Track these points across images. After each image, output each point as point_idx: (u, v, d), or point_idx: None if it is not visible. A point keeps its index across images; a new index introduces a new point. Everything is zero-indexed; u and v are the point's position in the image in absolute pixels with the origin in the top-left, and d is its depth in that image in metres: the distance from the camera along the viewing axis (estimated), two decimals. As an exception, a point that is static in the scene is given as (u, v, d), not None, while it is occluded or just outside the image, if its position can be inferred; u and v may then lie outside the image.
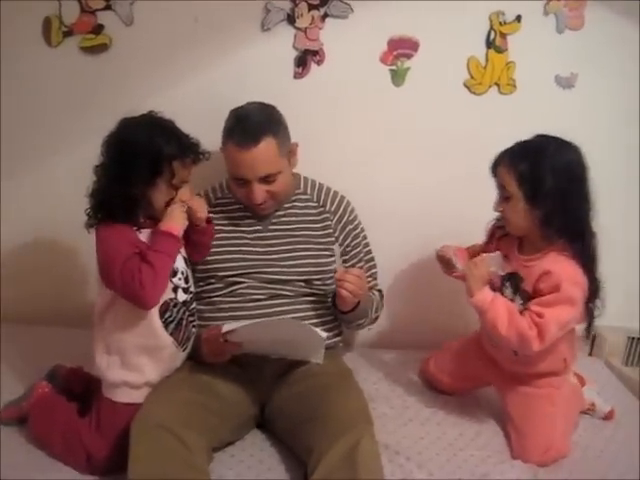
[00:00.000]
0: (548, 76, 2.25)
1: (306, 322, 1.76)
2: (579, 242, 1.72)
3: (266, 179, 1.86)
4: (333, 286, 2.01)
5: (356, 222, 2.09)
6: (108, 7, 2.18)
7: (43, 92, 2.29)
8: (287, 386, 1.81)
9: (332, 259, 2.01)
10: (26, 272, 2.44)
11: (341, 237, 2.03)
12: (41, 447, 1.72)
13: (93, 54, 2.23)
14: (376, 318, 2.07)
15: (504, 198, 1.76)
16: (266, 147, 1.83)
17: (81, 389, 1.89)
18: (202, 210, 1.78)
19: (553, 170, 1.68)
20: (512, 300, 1.78)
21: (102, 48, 2.22)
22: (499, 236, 1.92)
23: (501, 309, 1.71)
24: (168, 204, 1.69)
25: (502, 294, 1.79)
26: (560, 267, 1.70)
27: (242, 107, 1.93)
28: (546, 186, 1.67)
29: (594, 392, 2.05)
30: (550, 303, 1.69)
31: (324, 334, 1.70)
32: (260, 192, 1.86)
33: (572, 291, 1.69)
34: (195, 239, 1.83)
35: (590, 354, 2.49)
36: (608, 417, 2.01)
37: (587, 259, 1.73)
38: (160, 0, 2.17)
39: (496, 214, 1.86)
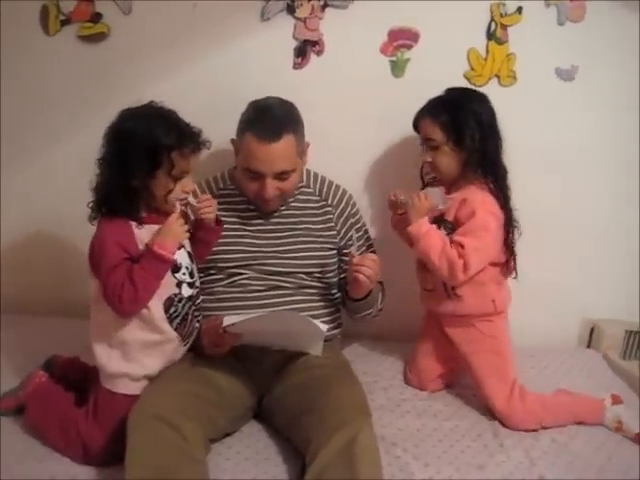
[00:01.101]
0: (549, 68, 2.24)
1: (306, 314, 1.76)
2: (494, 176, 1.90)
3: (280, 175, 1.85)
4: (335, 279, 2.02)
5: (358, 215, 2.09)
6: (106, -5, 2.17)
7: (41, 81, 2.28)
8: (285, 378, 1.81)
9: (333, 252, 2.01)
10: (26, 263, 2.45)
11: (343, 230, 2.03)
12: (38, 437, 1.72)
13: (91, 43, 2.22)
14: (380, 309, 2.07)
15: (431, 148, 1.92)
16: (286, 143, 1.83)
17: (78, 379, 1.88)
18: (211, 211, 1.77)
19: (470, 115, 1.87)
20: None
21: (100, 37, 2.22)
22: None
23: (434, 238, 1.86)
24: (167, 196, 1.66)
25: None
26: (475, 196, 1.89)
27: (263, 100, 1.93)
28: (467, 130, 1.86)
29: (623, 410, 1.95)
30: (467, 231, 1.86)
31: (324, 327, 1.70)
32: (272, 188, 1.86)
33: (486, 218, 1.86)
34: (201, 236, 1.82)
35: (588, 347, 2.50)
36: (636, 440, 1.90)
37: (501, 191, 1.90)
38: (159, -12, 2.16)
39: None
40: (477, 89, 2.01)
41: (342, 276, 2.04)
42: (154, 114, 1.65)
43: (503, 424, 1.89)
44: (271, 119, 1.84)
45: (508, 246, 1.93)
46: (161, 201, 1.67)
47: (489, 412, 1.94)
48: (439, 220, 1.93)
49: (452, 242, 1.86)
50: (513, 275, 1.99)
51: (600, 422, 1.93)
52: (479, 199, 1.88)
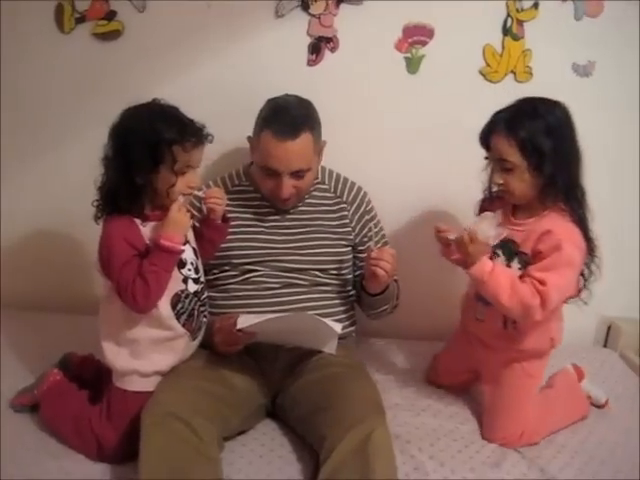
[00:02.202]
0: (565, 64, 2.22)
1: (320, 315, 1.75)
2: (575, 201, 1.70)
3: (296, 174, 1.85)
4: (349, 276, 2.01)
5: (373, 213, 2.07)
6: (121, -7, 2.17)
7: (56, 78, 2.29)
8: (299, 376, 1.80)
9: (348, 249, 2.00)
10: (34, 260, 2.46)
11: (358, 227, 2.02)
12: (53, 434, 1.73)
13: (105, 40, 2.23)
14: (395, 306, 2.06)
15: (505, 170, 1.69)
16: (303, 142, 1.82)
17: (92, 376, 1.89)
18: (220, 205, 1.77)
19: (550, 132, 1.64)
20: (508, 266, 1.74)
21: (115, 34, 2.22)
22: (489, 206, 1.85)
23: (502, 278, 1.66)
24: (171, 191, 1.65)
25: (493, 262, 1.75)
26: (560, 227, 1.67)
27: (280, 98, 1.92)
28: (547, 150, 1.63)
29: (589, 384, 2.02)
30: (551, 266, 1.64)
31: (338, 327, 1.70)
32: (288, 186, 1.85)
33: (572, 252, 1.65)
34: (206, 234, 1.81)
35: (605, 346, 2.47)
36: (603, 406, 1.98)
37: (583, 217, 1.71)
38: (173, -14, 2.16)
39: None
40: (555, 99, 1.72)
41: (357, 273, 2.04)
42: (155, 110, 1.66)
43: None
44: (289, 117, 1.84)
45: (585, 279, 1.75)
46: (165, 197, 1.66)
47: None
48: (510, 250, 1.75)
49: (528, 276, 1.66)
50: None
51: (586, 414, 1.94)
52: (566, 232, 1.66)
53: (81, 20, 2.21)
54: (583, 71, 2.23)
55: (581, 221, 1.70)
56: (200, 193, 1.75)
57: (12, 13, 2.22)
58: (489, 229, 1.69)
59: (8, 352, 2.10)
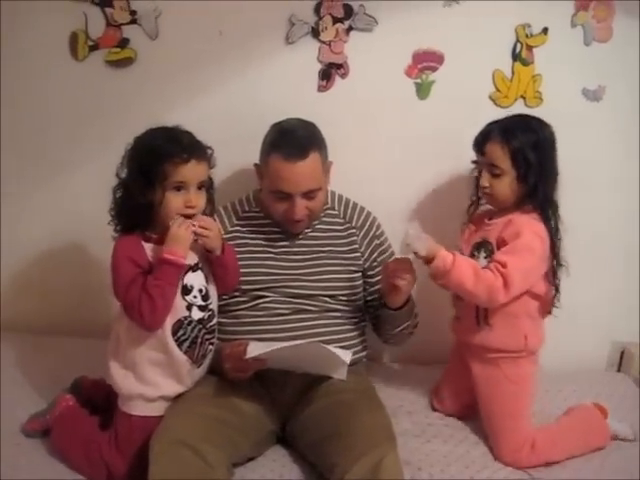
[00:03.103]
0: (575, 89, 2.22)
1: (330, 341, 1.75)
2: (547, 213, 1.83)
3: (308, 194, 1.85)
4: (360, 302, 2.01)
5: (383, 237, 2.07)
6: (133, 21, 2.21)
7: (70, 105, 2.31)
8: (310, 402, 1.79)
9: (358, 274, 2.00)
10: (43, 284, 2.48)
11: (367, 252, 2.02)
12: (63, 460, 1.73)
13: (118, 68, 2.25)
14: (416, 325, 2.04)
15: (493, 175, 1.82)
16: (313, 161, 1.83)
17: (103, 401, 1.89)
18: (206, 236, 1.69)
19: (539, 147, 1.79)
20: (477, 260, 1.84)
21: (127, 62, 2.25)
22: (473, 211, 2.00)
23: (464, 265, 1.74)
24: (168, 210, 1.65)
25: None
26: (522, 218, 1.81)
27: (285, 121, 1.93)
28: (534, 162, 1.77)
29: (614, 422, 1.98)
30: (511, 250, 1.76)
31: (348, 357, 1.69)
32: (301, 208, 1.85)
33: (532, 238, 1.77)
34: (213, 272, 1.80)
35: (618, 370, 2.45)
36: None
37: (553, 228, 1.83)
38: (185, 14, 2.19)
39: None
40: (543, 120, 1.86)
41: (369, 298, 2.03)
42: (159, 131, 1.69)
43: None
44: (296, 139, 1.85)
45: (551, 278, 1.85)
46: (163, 216, 1.66)
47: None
48: (481, 248, 1.87)
49: (493, 262, 1.77)
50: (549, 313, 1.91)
51: (603, 445, 1.91)
52: (527, 221, 1.80)
53: (94, 48, 2.24)
54: (593, 96, 2.23)
55: (550, 229, 1.82)
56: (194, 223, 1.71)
57: (27, 41, 2.26)
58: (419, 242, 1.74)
59: (20, 376, 2.11)
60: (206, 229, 1.69)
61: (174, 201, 1.65)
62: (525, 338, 1.85)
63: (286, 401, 1.82)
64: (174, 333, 1.69)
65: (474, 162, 1.90)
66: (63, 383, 1.93)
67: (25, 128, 2.36)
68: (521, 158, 1.77)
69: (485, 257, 1.84)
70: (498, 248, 1.81)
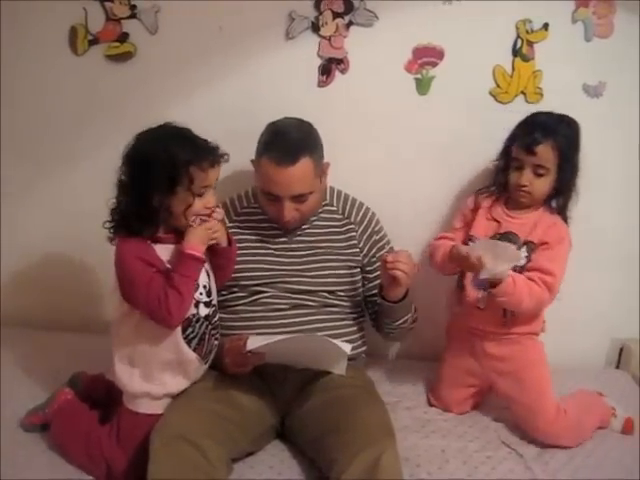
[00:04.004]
0: (576, 85, 2.21)
1: (329, 336, 1.75)
2: (567, 207, 1.92)
3: (297, 198, 1.85)
4: (358, 297, 2.01)
5: (382, 233, 2.07)
6: (133, 15, 2.20)
7: (68, 99, 2.31)
8: (309, 397, 1.80)
9: (356, 270, 2.00)
10: (42, 280, 2.48)
11: (366, 248, 2.02)
12: (62, 454, 1.73)
13: (118, 62, 2.25)
14: (415, 320, 2.04)
15: (537, 174, 1.85)
16: (302, 167, 1.82)
17: (102, 396, 1.89)
18: (219, 228, 1.74)
19: (575, 145, 1.87)
20: None
21: (127, 56, 2.24)
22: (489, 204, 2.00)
23: (521, 285, 1.78)
24: (187, 212, 1.65)
25: None
26: (560, 222, 1.90)
27: (280, 122, 1.92)
28: (574, 161, 1.85)
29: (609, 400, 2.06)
30: (557, 257, 1.83)
31: (348, 348, 1.70)
32: (289, 210, 1.86)
33: (568, 247, 1.88)
34: (214, 261, 1.81)
35: (617, 367, 2.45)
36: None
37: (566, 219, 1.93)
38: (185, 9, 2.18)
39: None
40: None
41: (369, 293, 2.03)
42: (169, 132, 1.67)
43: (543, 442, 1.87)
44: (288, 143, 1.84)
45: None
46: (181, 218, 1.66)
47: (523, 431, 1.91)
48: (512, 240, 1.88)
49: (535, 269, 1.83)
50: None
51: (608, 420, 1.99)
52: (565, 227, 1.90)
53: (94, 42, 2.23)
54: (594, 92, 2.22)
55: (566, 220, 1.93)
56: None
57: (26, 34, 2.25)
58: (499, 265, 1.74)
59: (19, 371, 2.12)
60: (216, 233, 1.72)
61: (198, 204, 1.66)
62: (544, 323, 1.96)
63: (285, 396, 1.83)
64: (183, 331, 1.69)
65: (514, 159, 1.90)
66: (62, 378, 1.94)
67: (24, 122, 2.35)
68: (566, 159, 1.84)
69: (526, 256, 1.86)
70: (538, 246, 1.86)
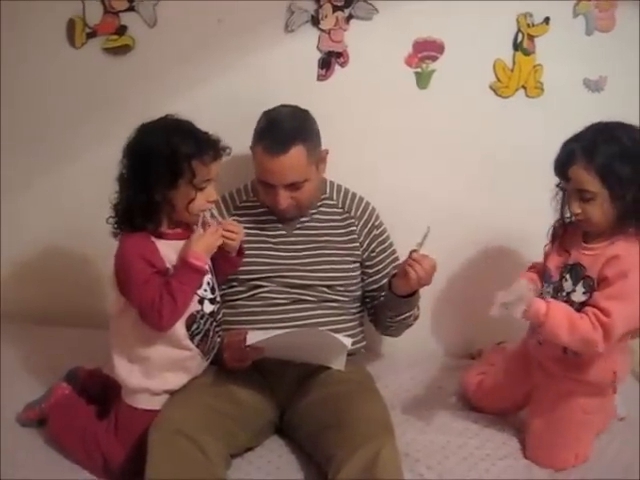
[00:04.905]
0: (576, 79, 2.20)
1: (328, 328, 1.74)
2: None
3: (292, 186, 1.84)
4: (358, 292, 2.00)
5: (382, 228, 2.06)
6: (131, 8, 2.19)
7: (67, 93, 2.30)
8: (308, 392, 1.79)
9: (356, 265, 1.99)
10: (41, 273, 2.47)
11: (366, 242, 2.01)
12: (59, 449, 1.73)
13: (116, 55, 2.24)
14: (417, 317, 2.03)
15: (584, 199, 1.62)
16: (294, 155, 1.81)
17: (99, 391, 1.88)
18: (235, 238, 1.73)
19: (629, 157, 1.58)
20: (573, 291, 1.69)
21: (125, 49, 2.23)
22: (561, 233, 1.80)
23: (558, 317, 1.60)
24: (190, 206, 1.65)
25: (561, 286, 1.72)
26: (629, 253, 1.61)
27: (275, 110, 1.92)
28: (627, 176, 1.57)
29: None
30: (616, 295, 1.58)
31: (348, 341, 1.69)
32: (285, 198, 1.85)
33: (639, 282, 1.58)
34: (218, 264, 1.80)
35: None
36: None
37: None
38: (183, 2, 2.17)
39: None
40: (628, 123, 1.66)
41: (368, 289, 2.03)
42: (170, 126, 1.66)
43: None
44: (280, 131, 1.83)
45: None
46: (184, 213, 1.66)
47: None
48: (576, 275, 1.70)
49: (592, 305, 1.61)
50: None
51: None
52: (635, 258, 1.60)
53: (92, 35, 2.22)
54: (595, 86, 2.21)
55: None
56: (218, 218, 1.74)
57: (24, 27, 2.24)
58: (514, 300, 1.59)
59: (16, 366, 2.11)
60: (234, 233, 1.72)
61: (200, 198, 1.65)
62: (614, 374, 1.73)
63: (284, 391, 1.82)
64: (188, 327, 1.68)
65: (558, 186, 1.73)
66: (59, 373, 1.93)
67: (23, 116, 2.34)
68: (611, 175, 1.57)
69: (584, 292, 1.66)
70: (598, 283, 1.63)
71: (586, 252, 1.69)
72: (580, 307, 1.65)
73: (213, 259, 1.78)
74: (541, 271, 1.84)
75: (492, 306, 1.58)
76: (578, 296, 1.68)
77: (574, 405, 1.76)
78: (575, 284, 1.69)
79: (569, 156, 1.64)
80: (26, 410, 1.83)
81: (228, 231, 1.71)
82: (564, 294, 1.72)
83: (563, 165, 1.66)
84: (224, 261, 1.79)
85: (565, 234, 1.78)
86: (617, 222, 1.63)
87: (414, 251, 1.75)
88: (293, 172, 1.83)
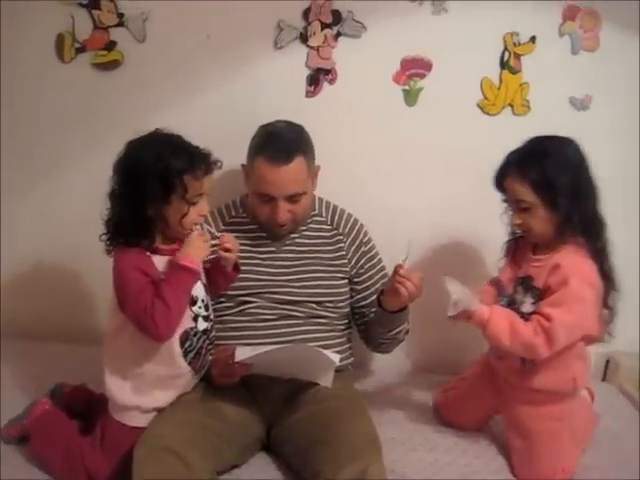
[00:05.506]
0: (562, 98, 2.23)
1: (316, 344, 1.74)
2: (594, 234, 1.70)
3: (291, 198, 1.85)
4: (346, 309, 2.00)
5: (370, 244, 2.06)
6: (121, 24, 2.20)
7: (56, 108, 2.30)
8: (295, 409, 1.78)
9: (344, 282, 1.99)
10: (32, 288, 2.45)
11: (354, 259, 2.01)
12: (42, 466, 1.70)
13: (105, 70, 2.24)
14: (407, 331, 2.02)
15: (521, 209, 1.71)
16: (297, 166, 1.82)
17: (83, 407, 1.86)
18: (231, 254, 1.75)
19: (562, 168, 1.66)
20: (522, 302, 1.74)
21: (114, 64, 2.24)
22: (514, 247, 1.88)
23: (501, 322, 1.66)
24: (182, 221, 1.64)
25: (514, 299, 1.76)
26: (571, 261, 1.67)
27: (272, 124, 1.93)
28: (561, 186, 1.64)
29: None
30: (557, 302, 1.64)
31: (337, 358, 1.69)
32: (284, 211, 1.85)
33: (581, 287, 1.63)
34: (213, 277, 1.80)
35: (603, 380, 2.45)
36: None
37: (602, 251, 1.70)
38: (173, 17, 2.19)
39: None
40: (565, 136, 1.74)
41: (357, 305, 2.02)
42: (161, 140, 1.65)
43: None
44: (282, 142, 1.84)
45: (604, 315, 1.72)
46: (177, 227, 1.65)
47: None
48: (526, 286, 1.75)
49: (538, 313, 1.66)
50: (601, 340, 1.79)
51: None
52: (574, 266, 1.65)
53: (81, 50, 2.23)
54: (580, 105, 2.23)
55: (599, 255, 1.70)
56: (214, 233, 1.75)
57: (12, 42, 2.24)
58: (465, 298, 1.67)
59: (3, 380, 2.07)
60: (231, 250, 1.74)
61: (193, 212, 1.64)
62: (574, 380, 1.76)
63: (271, 408, 1.81)
64: (182, 344, 1.67)
65: (504, 201, 1.79)
66: (42, 388, 1.91)
67: (11, 132, 2.34)
68: (544, 186, 1.65)
69: (532, 303, 1.72)
70: (544, 293, 1.69)
71: (534, 264, 1.75)
72: (529, 317, 1.69)
73: (208, 273, 1.78)
74: (497, 285, 1.88)
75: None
76: (527, 307, 1.73)
77: (542, 414, 1.77)
78: (525, 296, 1.75)
79: (504, 169, 1.73)
80: (8, 426, 1.79)
81: (226, 245, 1.73)
82: (516, 306, 1.76)
83: (499, 177, 1.75)
84: (220, 275, 1.80)
85: (517, 248, 1.86)
86: (559, 232, 1.70)
87: (399, 266, 1.75)
88: (295, 183, 1.83)
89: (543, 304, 1.67)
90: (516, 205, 1.72)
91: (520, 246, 1.84)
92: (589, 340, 1.77)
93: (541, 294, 1.70)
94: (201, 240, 1.66)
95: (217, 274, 1.80)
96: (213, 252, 1.75)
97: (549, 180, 1.64)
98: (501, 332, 1.66)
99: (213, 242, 1.73)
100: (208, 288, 1.78)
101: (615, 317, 1.75)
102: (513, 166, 1.71)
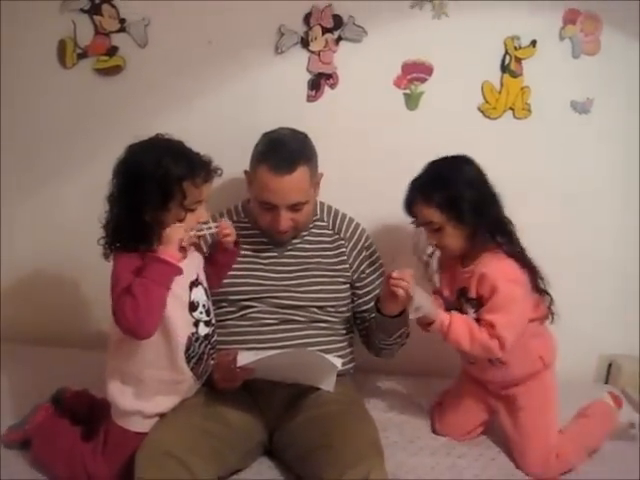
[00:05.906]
0: (563, 101, 2.23)
1: (318, 349, 1.74)
2: (505, 236, 1.80)
3: (294, 207, 1.85)
4: (348, 313, 2.00)
5: (372, 249, 2.06)
6: (122, 29, 2.20)
7: (57, 113, 2.31)
8: (297, 413, 1.78)
9: (346, 286, 1.99)
10: (33, 294, 2.45)
11: (355, 264, 2.01)
12: (43, 471, 1.70)
13: (107, 76, 2.25)
14: (408, 335, 2.01)
15: (434, 230, 1.80)
16: (300, 175, 1.82)
17: (85, 412, 1.86)
18: (231, 233, 1.76)
19: (462, 186, 1.76)
20: (466, 312, 1.82)
21: (116, 70, 2.24)
22: (446, 261, 1.95)
23: (461, 328, 1.75)
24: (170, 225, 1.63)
25: (458, 308, 1.84)
26: (493, 267, 1.77)
27: (275, 132, 1.93)
28: (465, 203, 1.74)
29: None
30: (494, 308, 1.74)
31: (338, 362, 1.68)
32: (286, 219, 1.85)
33: (510, 289, 1.74)
34: (217, 259, 1.81)
35: (606, 383, 2.45)
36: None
37: (516, 248, 1.81)
38: (174, 23, 2.19)
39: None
40: (457, 154, 1.86)
41: (359, 310, 2.03)
42: (161, 146, 1.64)
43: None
44: (285, 151, 1.84)
45: (540, 297, 1.83)
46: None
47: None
48: (464, 297, 1.83)
49: (481, 320, 1.76)
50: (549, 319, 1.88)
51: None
52: (497, 271, 1.75)
53: (83, 55, 2.23)
54: (581, 108, 2.23)
55: (515, 252, 1.80)
56: (212, 226, 1.73)
57: (14, 47, 2.25)
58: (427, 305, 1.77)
59: (4, 386, 2.08)
60: (229, 235, 1.75)
61: (189, 219, 1.64)
62: (541, 358, 1.86)
63: (273, 411, 1.81)
64: (185, 350, 1.67)
65: (414, 223, 1.88)
66: (47, 393, 1.90)
67: (12, 138, 2.34)
68: (449, 206, 1.75)
69: (474, 311, 1.80)
70: (479, 301, 1.79)
71: (464, 275, 1.83)
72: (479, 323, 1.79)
73: (212, 260, 1.79)
74: (441, 295, 1.94)
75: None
76: (471, 315, 1.81)
77: (524, 397, 1.86)
78: (466, 305, 1.84)
79: (410, 197, 1.83)
80: (9, 432, 1.80)
81: (225, 232, 1.74)
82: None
83: (408, 206, 1.85)
84: (223, 253, 1.80)
85: (448, 262, 1.93)
86: (473, 243, 1.80)
87: (390, 273, 1.77)
88: (297, 192, 1.83)
89: (483, 312, 1.77)
90: (428, 227, 1.82)
91: (450, 259, 1.91)
92: (538, 320, 1.87)
93: (478, 303, 1.80)
94: (177, 230, 1.62)
95: (219, 255, 1.80)
96: (213, 239, 1.78)
97: (452, 199, 1.75)
98: (461, 337, 1.75)
99: (213, 229, 1.73)
100: (208, 280, 1.79)
101: (552, 300, 1.85)
102: (417, 192, 1.81)
